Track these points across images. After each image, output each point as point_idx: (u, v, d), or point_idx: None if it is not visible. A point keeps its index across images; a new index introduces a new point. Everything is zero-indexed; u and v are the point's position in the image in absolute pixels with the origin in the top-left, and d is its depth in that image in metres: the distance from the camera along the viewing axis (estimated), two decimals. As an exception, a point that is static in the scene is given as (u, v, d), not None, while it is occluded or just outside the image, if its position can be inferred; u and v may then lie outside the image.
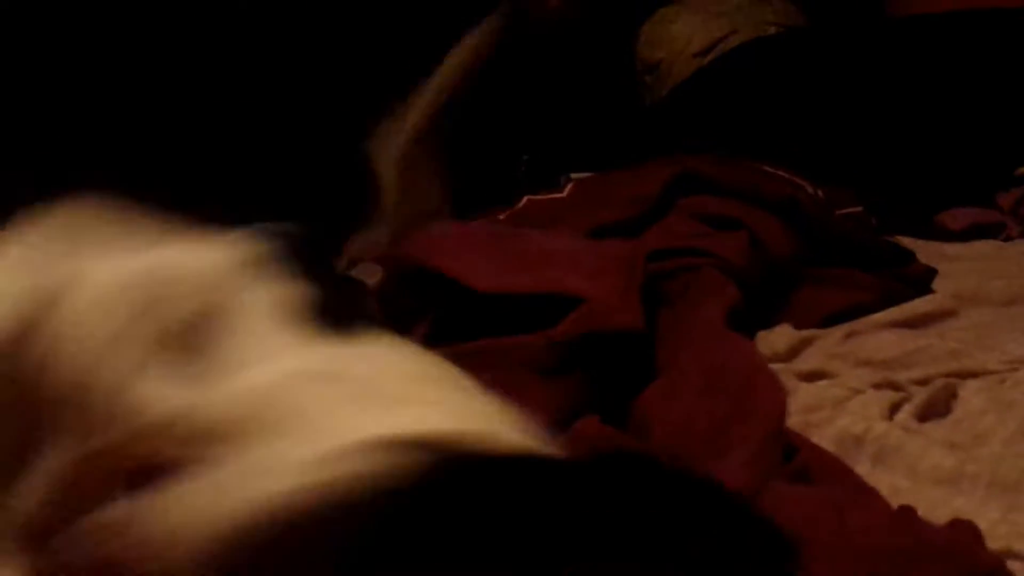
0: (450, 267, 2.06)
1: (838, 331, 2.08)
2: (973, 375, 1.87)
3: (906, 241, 2.72)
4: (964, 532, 1.37)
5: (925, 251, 2.63)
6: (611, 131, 3.85)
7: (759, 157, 2.78)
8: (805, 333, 2.05)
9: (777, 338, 2.02)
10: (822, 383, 1.87)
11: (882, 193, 2.98)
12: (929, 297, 2.32)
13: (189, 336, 1.19)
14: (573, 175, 3.47)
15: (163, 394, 1.14)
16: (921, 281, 2.44)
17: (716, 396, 1.59)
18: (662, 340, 1.93)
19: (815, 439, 1.58)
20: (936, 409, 1.76)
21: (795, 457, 1.52)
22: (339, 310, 1.23)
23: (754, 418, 1.48)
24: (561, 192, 3.03)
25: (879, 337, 2.06)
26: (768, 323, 2.10)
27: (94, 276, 1.26)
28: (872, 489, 1.50)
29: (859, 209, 2.75)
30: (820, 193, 2.61)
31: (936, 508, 1.46)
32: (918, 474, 1.56)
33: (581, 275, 2.02)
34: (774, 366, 1.86)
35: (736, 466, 1.38)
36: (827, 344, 2.04)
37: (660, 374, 1.83)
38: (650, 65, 4.12)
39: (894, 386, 1.82)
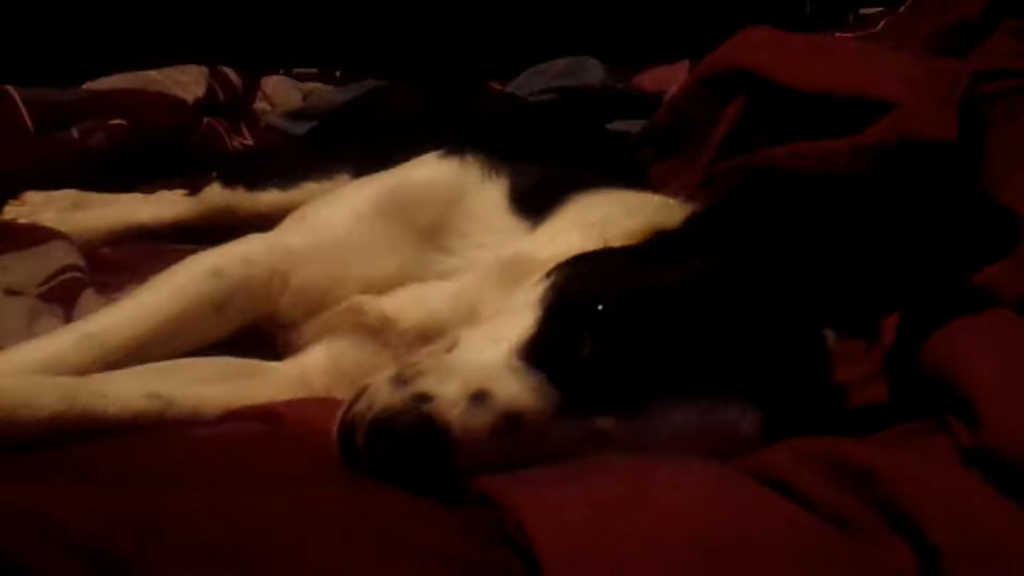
0: (760, 64, 1.98)
1: None
2: None
3: None
4: None
5: None
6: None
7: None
8: None
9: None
10: None
11: None
12: None
13: (434, 233, 1.44)
14: (862, 10, 3.31)
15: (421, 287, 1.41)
16: None
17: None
18: (991, 160, 1.80)
19: None
20: None
21: None
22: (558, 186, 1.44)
23: None
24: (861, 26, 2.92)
25: None
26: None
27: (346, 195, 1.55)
28: None
29: None
30: None
31: None
32: None
33: (897, 82, 1.92)
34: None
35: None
36: None
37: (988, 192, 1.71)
38: None
39: None
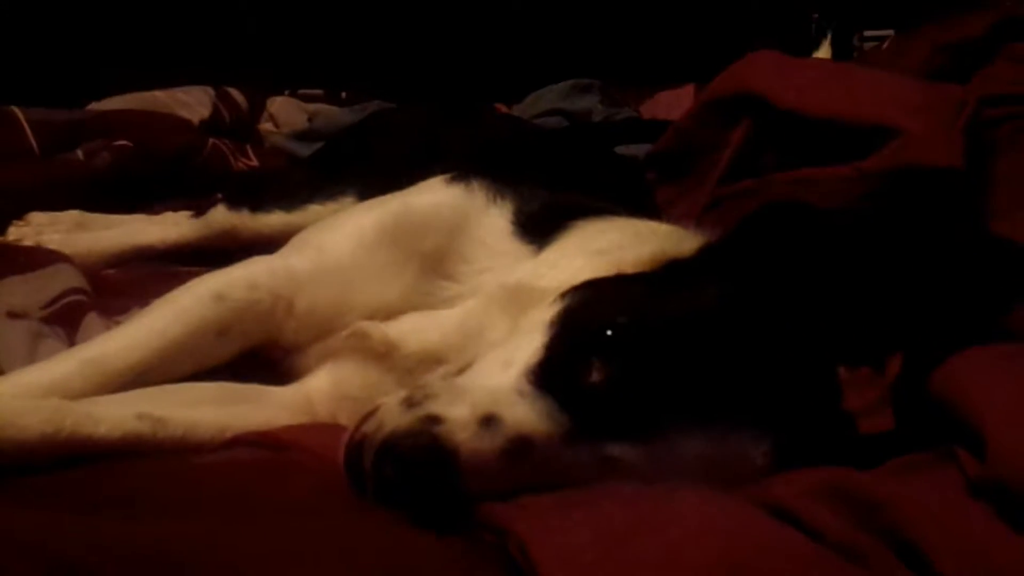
0: (765, 88, 1.98)
1: None
2: None
3: None
4: None
5: None
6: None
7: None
8: None
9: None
10: None
11: None
12: None
13: (438, 259, 1.43)
14: (867, 33, 3.32)
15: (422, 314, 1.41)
16: None
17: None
18: (997, 187, 1.80)
19: None
20: None
21: None
22: (565, 212, 1.44)
23: None
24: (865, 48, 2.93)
25: None
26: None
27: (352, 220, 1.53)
28: None
29: None
30: None
31: None
32: None
33: (903, 109, 1.91)
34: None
35: None
36: None
37: (994, 218, 1.70)
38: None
39: None
